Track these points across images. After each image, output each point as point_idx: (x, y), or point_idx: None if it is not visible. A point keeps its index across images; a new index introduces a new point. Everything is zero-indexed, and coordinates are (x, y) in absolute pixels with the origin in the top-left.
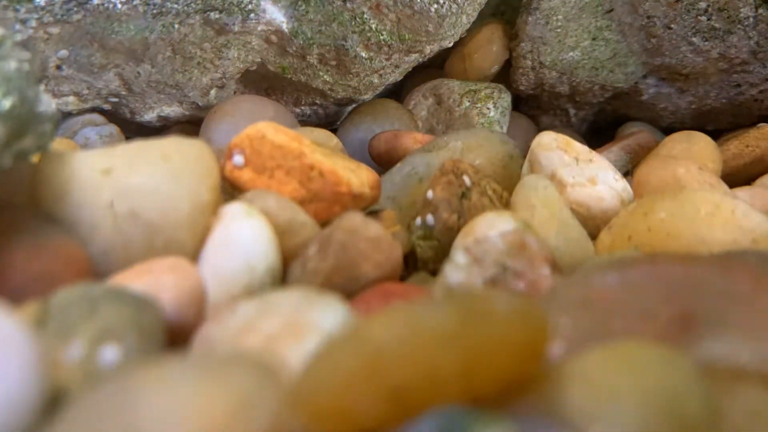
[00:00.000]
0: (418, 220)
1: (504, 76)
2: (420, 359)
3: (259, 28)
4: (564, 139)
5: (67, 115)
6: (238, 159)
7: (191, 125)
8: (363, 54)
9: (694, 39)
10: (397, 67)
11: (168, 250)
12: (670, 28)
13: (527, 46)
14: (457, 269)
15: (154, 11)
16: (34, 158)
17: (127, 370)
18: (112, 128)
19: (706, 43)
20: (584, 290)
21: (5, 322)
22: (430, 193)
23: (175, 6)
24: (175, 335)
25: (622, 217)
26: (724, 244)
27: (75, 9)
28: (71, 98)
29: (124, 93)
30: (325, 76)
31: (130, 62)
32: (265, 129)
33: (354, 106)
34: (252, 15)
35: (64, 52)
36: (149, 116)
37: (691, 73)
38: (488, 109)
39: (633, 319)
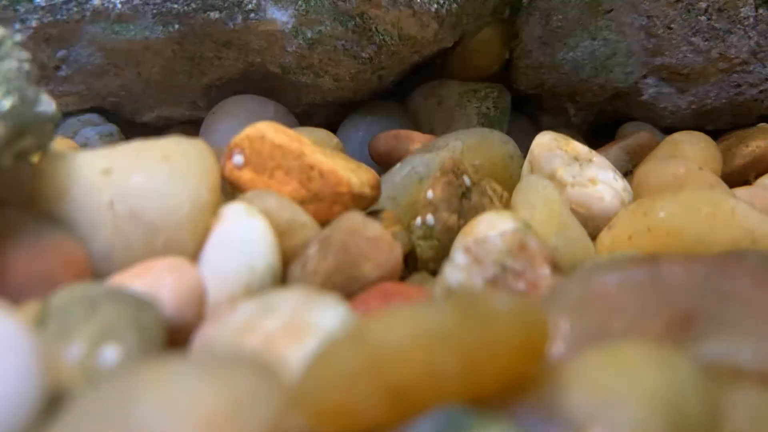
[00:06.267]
0: (418, 220)
1: (504, 76)
2: (420, 359)
3: (259, 28)
4: (564, 139)
5: (67, 115)
6: (238, 159)
7: (191, 125)
8: (363, 54)
9: (694, 39)
10: (397, 67)
11: (168, 250)
12: (670, 28)
13: (527, 46)
14: (457, 269)
15: (154, 11)
16: (34, 158)
17: (127, 370)
18: (112, 128)
19: (706, 43)
20: (584, 290)
21: (5, 322)
22: (430, 193)
23: (175, 6)
24: (175, 335)
25: (622, 217)
26: (724, 244)
27: (75, 9)
28: (71, 98)
29: (124, 93)
30: (325, 76)
31: (130, 63)
32: (265, 129)
33: (354, 106)
34: (252, 15)
35: (64, 52)
36: (149, 116)
37: (691, 73)
38: (488, 109)
39: (633, 319)
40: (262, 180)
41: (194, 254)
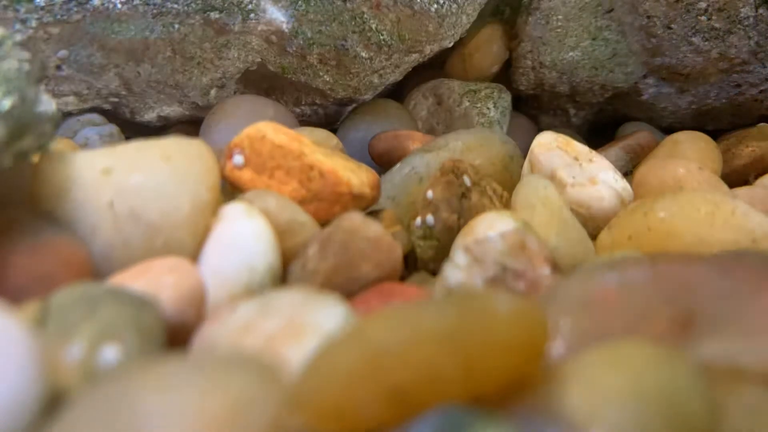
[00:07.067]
0: (418, 220)
1: (504, 76)
2: (420, 359)
3: (259, 28)
4: (564, 139)
5: (67, 115)
6: (238, 159)
7: (191, 125)
8: (363, 54)
9: (694, 39)
10: (397, 67)
11: (168, 250)
12: (670, 28)
13: (527, 46)
14: (457, 269)
15: (154, 11)
16: (34, 158)
17: (127, 370)
18: (112, 128)
19: (706, 43)
20: (584, 290)
21: (5, 322)
22: (430, 193)
23: (175, 6)
24: (175, 335)
25: (622, 217)
26: (724, 244)
27: (75, 9)
28: (71, 98)
29: (124, 93)
30: (325, 76)
31: (130, 62)
32: (265, 129)
33: (354, 106)
34: (252, 15)
35: (64, 52)
36: (149, 116)
37: (691, 73)
38: (488, 109)
39: (633, 319)
40: (262, 180)
41: (194, 254)
